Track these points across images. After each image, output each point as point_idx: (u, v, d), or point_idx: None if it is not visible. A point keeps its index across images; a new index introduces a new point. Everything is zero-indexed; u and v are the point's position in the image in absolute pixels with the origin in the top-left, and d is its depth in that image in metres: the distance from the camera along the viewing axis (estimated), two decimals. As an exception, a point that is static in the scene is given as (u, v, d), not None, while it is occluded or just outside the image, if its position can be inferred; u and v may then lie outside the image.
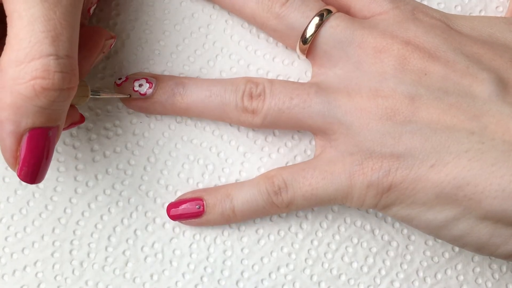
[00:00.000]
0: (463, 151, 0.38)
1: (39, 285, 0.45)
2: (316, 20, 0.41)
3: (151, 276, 0.45)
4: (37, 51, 0.33)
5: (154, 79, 0.43)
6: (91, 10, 0.42)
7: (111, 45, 0.42)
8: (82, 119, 0.43)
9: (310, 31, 0.41)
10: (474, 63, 0.39)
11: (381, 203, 0.40)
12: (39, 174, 0.37)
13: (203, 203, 0.43)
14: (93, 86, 0.44)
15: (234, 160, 0.45)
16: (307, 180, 0.41)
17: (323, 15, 0.41)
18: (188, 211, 0.44)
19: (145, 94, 0.43)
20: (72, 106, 0.41)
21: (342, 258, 0.45)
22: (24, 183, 0.44)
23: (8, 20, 0.34)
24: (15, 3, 0.34)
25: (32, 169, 0.36)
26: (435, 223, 0.40)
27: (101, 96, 0.42)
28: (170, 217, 0.44)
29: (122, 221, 0.45)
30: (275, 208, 0.43)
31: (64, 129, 0.40)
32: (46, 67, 0.33)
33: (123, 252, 0.45)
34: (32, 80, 0.33)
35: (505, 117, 0.38)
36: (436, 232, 0.40)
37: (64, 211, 0.45)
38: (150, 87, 0.43)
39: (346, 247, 0.45)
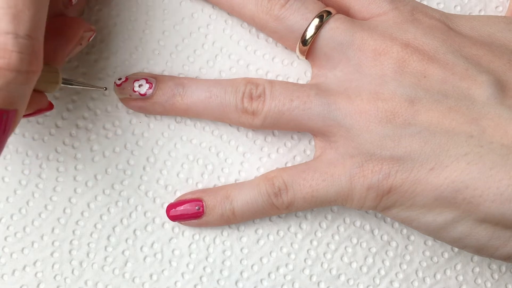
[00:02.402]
0: (462, 155, 0.38)
1: (38, 285, 0.45)
2: (316, 21, 0.41)
3: (151, 276, 0.45)
4: None
5: (154, 80, 0.43)
6: (74, 1, 0.41)
7: (90, 38, 0.42)
8: (50, 106, 0.41)
9: (310, 33, 0.41)
10: (473, 65, 0.39)
11: (381, 205, 0.40)
12: None
13: (203, 204, 0.43)
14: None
15: (233, 160, 0.45)
16: (307, 182, 0.41)
17: (323, 17, 0.41)
18: (188, 212, 0.44)
19: (145, 94, 0.43)
20: (40, 92, 0.39)
21: (341, 258, 0.45)
22: (24, 183, 0.44)
23: None
24: None
25: None
26: (435, 225, 0.40)
27: (73, 86, 0.41)
28: (169, 218, 0.44)
29: (121, 221, 0.45)
30: (275, 209, 0.43)
31: (30, 115, 0.39)
32: (3, 46, 0.32)
33: (123, 252, 0.45)
34: None
35: (503, 121, 0.38)
36: (435, 233, 0.41)
37: (64, 211, 0.45)
38: (150, 88, 0.43)
39: (345, 247, 0.45)
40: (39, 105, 0.39)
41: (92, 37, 0.42)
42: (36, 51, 0.33)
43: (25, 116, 0.39)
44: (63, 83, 0.41)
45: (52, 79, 0.39)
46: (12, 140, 0.45)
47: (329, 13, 0.41)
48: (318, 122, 0.41)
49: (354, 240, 0.45)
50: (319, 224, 0.45)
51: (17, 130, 0.45)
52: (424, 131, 0.38)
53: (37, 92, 0.39)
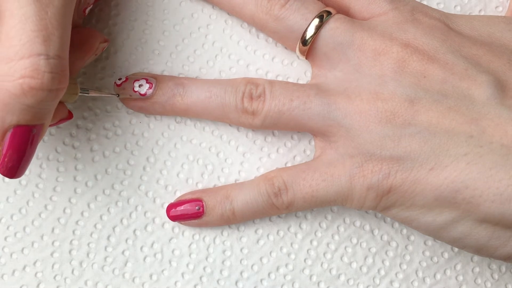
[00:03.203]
0: (461, 155, 0.38)
1: (38, 285, 0.45)
2: (316, 21, 0.41)
3: (151, 276, 0.45)
4: (28, 49, 0.33)
5: (154, 80, 0.43)
6: (87, 11, 0.42)
7: (104, 48, 0.43)
8: (70, 115, 0.42)
9: (310, 33, 0.41)
10: (473, 66, 0.39)
11: (381, 205, 0.40)
12: (19, 169, 0.37)
13: (203, 204, 0.43)
14: (92, 86, 0.44)
15: (233, 160, 0.45)
16: (307, 182, 0.41)
17: (323, 17, 0.41)
18: (188, 212, 0.44)
19: (145, 94, 0.43)
20: (60, 102, 0.41)
21: (341, 258, 0.45)
22: (24, 183, 0.45)
23: (0, 18, 0.34)
24: (8, 1, 0.34)
25: (13, 164, 0.37)
26: (434, 225, 0.40)
27: (89, 94, 0.42)
28: (169, 218, 0.44)
29: (121, 221, 0.45)
30: (275, 209, 0.43)
31: (52, 125, 0.41)
32: (36, 67, 0.33)
33: (123, 252, 0.45)
34: (21, 78, 0.33)
35: (503, 121, 0.38)
36: (435, 233, 0.41)
37: (64, 211, 0.45)
38: (150, 88, 0.43)
39: (345, 247, 0.45)
40: (60, 115, 0.41)
41: (106, 47, 0.43)
42: (64, 70, 0.35)
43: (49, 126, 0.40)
44: (80, 92, 0.42)
45: (72, 91, 0.41)
46: (12, 140, 0.45)
47: (329, 13, 0.41)
48: (318, 122, 0.41)
49: (354, 240, 0.45)
50: (319, 224, 0.45)
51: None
52: (424, 131, 0.38)
53: (59, 103, 0.40)
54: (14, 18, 0.33)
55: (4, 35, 0.34)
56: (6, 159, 0.36)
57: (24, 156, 0.37)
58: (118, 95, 0.44)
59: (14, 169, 0.37)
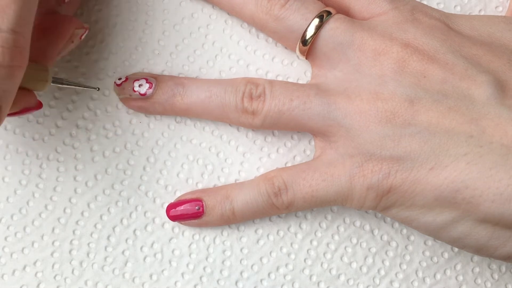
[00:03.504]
0: (462, 154, 0.38)
1: (38, 285, 0.45)
2: (316, 21, 0.41)
3: (150, 276, 0.45)
4: None
5: (154, 79, 0.43)
6: None
7: (82, 36, 0.41)
8: (39, 105, 0.40)
9: (310, 33, 0.41)
10: (473, 66, 0.39)
11: (381, 204, 0.40)
12: None
13: (203, 204, 0.43)
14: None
15: (233, 160, 0.45)
16: (307, 182, 0.41)
17: (323, 17, 0.41)
18: (188, 212, 0.44)
19: (145, 94, 0.43)
20: (28, 90, 0.39)
21: (341, 258, 0.45)
22: (24, 183, 0.45)
23: None
24: None
25: None
26: (434, 225, 0.40)
27: (63, 85, 0.41)
28: (169, 218, 0.44)
29: (121, 221, 0.45)
30: (275, 209, 0.43)
31: (16, 113, 0.39)
32: None
33: (123, 252, 0.45)
34: None
35: (503, 121, 0.38)
36: (435, 233, 0.41)
37: (64, 211, 0.45)
38: (150, 88, 0.43)
39: (345, 247, 0.45)
40: (26, 103, 0.39)
41: (85, 34, 0.41)
42: (21, 46, 0.33)
43: (11, 114, 0.39)
44: (53, 82, 0.40)
45: (41, 77, 0.39)
46: (12, 140, 0.45)
47: (329, 13, 0.41)
48: (318, 122, 0.41)
49: (354, 240, 0.45)
50: (319, 224, 0.45)
51: (17, 130, 0.45)
52: (424, 131, 0.38)
53: (25, 90, 0.38)
54: None
55: None
56: None
57: None
58: (98, 89, 0.43)
59: None
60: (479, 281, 0.46)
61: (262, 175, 0.44)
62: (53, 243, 0.45)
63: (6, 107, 0.34)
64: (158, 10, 0.45)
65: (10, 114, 0.38)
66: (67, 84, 0.42)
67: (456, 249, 0.46)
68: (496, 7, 0.46)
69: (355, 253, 0.45)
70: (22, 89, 0.38)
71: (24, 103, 0.39)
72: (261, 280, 0.45)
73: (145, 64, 0.45)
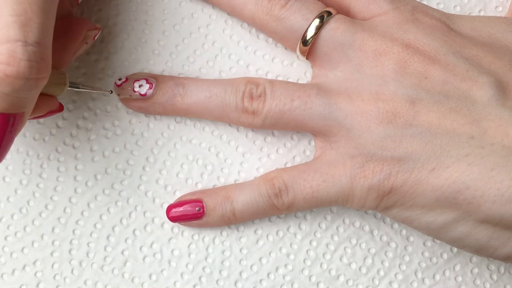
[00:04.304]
0: (463, 155, 0.38)
1: (38, 284, 0.45)
2: (317, 22, 0.41)
3: (150, 276, 0.45)
4: (4, 35, 0.32)
5: (154, 80, 0.43)
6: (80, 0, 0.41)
7: (95, 36, 0.42)
8: (60, 107, 0.41)
9: (310, 33, 0.41)
10: (474, 67, 0.39)
11: (382, 205, 0.40)
12: None
13: (203, 205, 0.43)
14: (92, 86, 0.44)
15: (233, 160, 0.45)
16: (308, 183, 0.41)
17: (323, 17, 0.41)
18: (188, 213, 0.44)
19: (145, 94, 0.43)
20: (49, 94, 0.39)
21: (340, 259, 0.45)
22: (25, 183, 0.45)
23: None
24: None
25: None
26: (435, 225, 0.40)
27: (80, 90, 0.42)
28: (169, 219, 0.44)
29: (121, 221, 0.45)
30: (275, 210, 0.43)
31: (41, 117, 0.40)
32: (12, 53, 0.32)
33: (122, 252, 0.45)
34: None
35: (504, 122, 0.38)
36: (435, 233, 0.41)
37: (64, 210, 0.45)
38: (150, 88, 0.43)
39: (344, 248, 0.45)
40: (50, 107, 0.40)
41: (98, 35, 0.42)
42: (45, 58, 0.33)
43: (36, 117, 0.40)
44: (70, 86, 0.41)
45: (59, 81, 0.39)
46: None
47: (329, 13, 0.41)
48: (319, 122, 0.41)
49: (354, 241, 0.45)
50: (319, 225, 0.45)
51: (17, 129, 0.45)
52: (425, 132, 0.38)
53: (47, 95, 0.39)
54: None
55: None
56: None
57: (1, 144, 0.35)
58: (111, 92, 0.43)
59: None
60: (478, 282, 0.46)
61: (262, 176, 0.44)
62: (53, 242, 0.45)
63: (28, 112, 0.35)
64: (158, 10, 0.45)
65: (36, 117, 0.40)
66: (83, 89, 0.42)
67: (455, 250, 0.46)
68: (496, 7, 0.47)
69: (355, 253, 0.45)
70: (44, 94, 0.38)
71: (48, 107, 0.39)
72: (260, 281, 0.45)
73: (145, 64, 0.45)
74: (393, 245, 0.45)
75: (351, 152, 0.40)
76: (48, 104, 0.39)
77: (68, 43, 0.39)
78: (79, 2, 0.42)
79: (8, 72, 0.32)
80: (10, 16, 0.32)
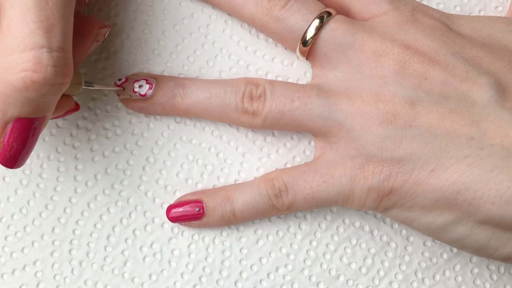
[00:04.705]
0: (462, 157, 0.38)
1: (38, 284, 0.45)
2: (316, 22, 0.41)
3: (150, 276, 0.45)
4: (29, 41, 0.32)
5: (154, 80, 0.43)
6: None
7: (105, 34, 0.42)
8: (77, 106, 0.42)
9: (310, 34, 0.41)
10: (473, 67, 0.39)
11: (382, 205, 0.40)
12: (18, 160, 0.37)
13: (203, 206, 0.43)
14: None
15: (233, 160, 0.45)
16: (308, 183, 0.41)
17: (323, 18, 0.41)
18: (188, 213, 0.44)
19: (145, 95, 0.43)
20: (66, 94, 0.40)
21: (340, 259, 0.45)
22: (25, 183, 0.45)
23: (1, 9, 0.33)
24: None
25: (13, 155, 0.36)
26: (435, 226, 0.40)
27: (94, 88, 0.42)
28: (169, 219, 0.44)
29: (121, 221, 0.45)
30: (275, 210, 0.43)
31: (59, 116, 0.41)
32: (38, 60, 0.32)
33: (122, 252, 0.45)
34: (23, 72, 0.32)
35: (504, 123, 0.38)
36: (435, 234, 0.41)
37: (64, 210, 0.45)
38: (150, 88, 0.43)
39: (344, 248, 0.45)
40: (67, 106, 0.40)
41: (107, 32, 0.42)
42: (67, 63, 0.34)
43: (55, 117, 0.41)
44: (84, 85, 0.41)
45: (76, 81, 0.40)
46: (12, 140, 0.45)
47: (329, 14, 0.41)
48: (319, 123, 0.41)
49: (354, 241, 0.45)
50: (319, 225, 0.45)
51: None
52: (425, 133, 0.38)
53: (66, 95, 0.40)
54: (14, 9, 0.33)
55: (5, 26, 0.33)
56: (6, 150, 0.36)
57: (25, 148, 0.36)
58: (124, 89, 0.43)
59: (14, 160, 0.36)
60: (478, 282, 0.46)
61: (262, 176, 0.44)
62: (53, 242, 0.45)
63: (50, 115, 0.37)
64: (158, 10, 0.45)
65: (55, 117, 0.41)
66: (97, 87, 0.42)
67: (455, 250, 0.46)
68: (496, 7, 0.46)
69: (355, 253, 0.45)
70: (62, 95, 0.39)
71: (66, 106, 0.40)
72: (260, 281, 0.45)
73: (145, 64, 0.45)
74: (393, 245, 0.45)
75: (351, 152, 0.40)
76: (65, 104, 0.40)
77: (81, 42, 0.39)
78: (86, 2, 0.42)
79: (35, 79, 0.33)
80: (33, 22, 0.32)
